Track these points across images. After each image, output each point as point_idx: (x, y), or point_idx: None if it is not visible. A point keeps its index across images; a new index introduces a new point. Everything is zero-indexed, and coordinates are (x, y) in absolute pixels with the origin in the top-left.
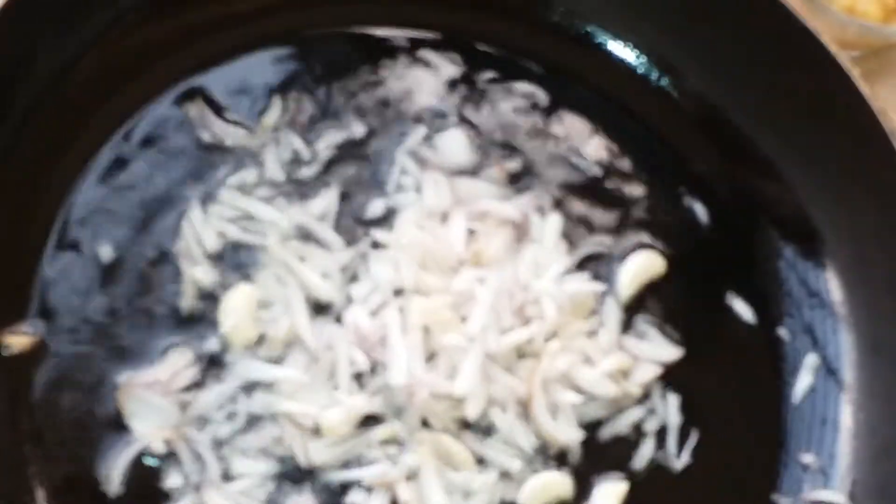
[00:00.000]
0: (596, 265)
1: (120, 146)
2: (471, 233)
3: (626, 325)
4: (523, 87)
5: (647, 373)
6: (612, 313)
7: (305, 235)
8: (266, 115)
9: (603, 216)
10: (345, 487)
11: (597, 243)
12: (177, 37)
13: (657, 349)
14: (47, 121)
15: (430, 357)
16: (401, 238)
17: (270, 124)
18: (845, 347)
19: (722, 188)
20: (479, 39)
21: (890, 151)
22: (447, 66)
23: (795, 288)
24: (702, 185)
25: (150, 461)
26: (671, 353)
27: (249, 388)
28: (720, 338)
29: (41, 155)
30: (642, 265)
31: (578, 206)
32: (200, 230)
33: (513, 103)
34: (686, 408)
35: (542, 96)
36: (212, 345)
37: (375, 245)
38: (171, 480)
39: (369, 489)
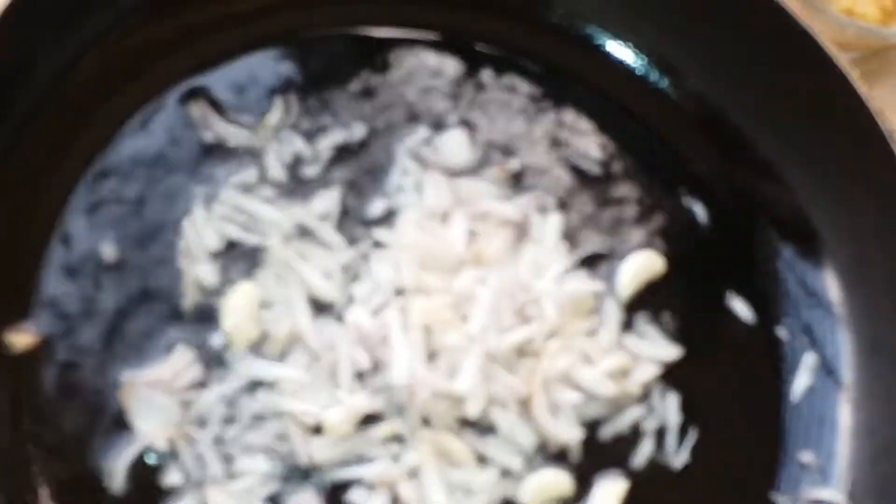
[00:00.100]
0: (596, 265)
1: (122, 146)
2: (471, 233)
3: (626, 325)
4: (523, 87)
5: (647, 372)
6: (612, 313)
7: (307, 235)
8: (268, 115)
9: (603, 216)
10: (346, 485)
11: (597, 243)
12: (178, 37)
13: (657, 348)
14: (49, 121)
15: (431, 356)
16: (402, 238)
17: (272, 124)
18: (844, 347)
19: (721, 188)
20: (479, 40)
21: (888, 152)
22: (448, 67)
23: (794, 288)
24: (701, 185)
25: (152, 459)
26: (671, 352)
27: (251, 386)
28: (719, 337)
29: (43, 154)
30: (642, 265)
31: (578, 206)
32: (202, 230)
33: (513, 103)
34: (685, 407)
35: (541, 96)
36: (214, 344)
37: (376, 245)
38: (174, 479)
39: (371, 487)
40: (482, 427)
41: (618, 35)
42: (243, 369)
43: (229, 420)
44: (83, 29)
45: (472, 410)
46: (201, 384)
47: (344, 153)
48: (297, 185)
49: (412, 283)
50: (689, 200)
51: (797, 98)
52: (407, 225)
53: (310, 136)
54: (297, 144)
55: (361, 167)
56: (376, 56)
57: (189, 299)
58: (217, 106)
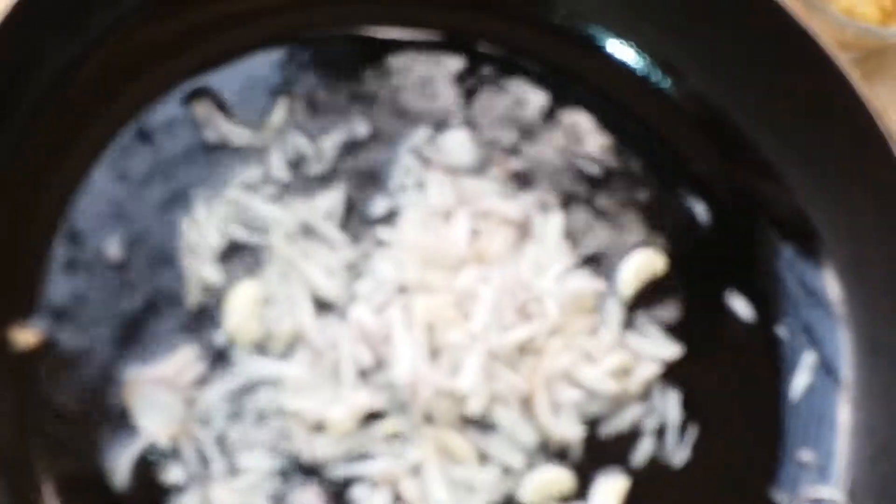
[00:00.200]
0: (597, 264)
1: (125, 145)
2: (474, 232)
3: (627, 323)
4: (525, 86)
5: (648, 370)
6: (614, 311)
7: (310, 233)
8: (271, 114)
9: (604, 215)
10: (349, 482)
11: (598, 242)
12: (181, 37)
13: (657, 347)
14: (53, 119)
15: (434, 354)
16: (404, 236)
17: (276, 124)
18: (844, 346)
19: (722, 188)
20: (480, 39)
21: (888, 152)
22: (450, 66)
23: (794, 287)
24: (702, 184)
25: (156, 457)
26: (671, 350)
27: (254, 384)
28: (719, 336)
29: (47, 153)
30: (643, 264)
31: (580, 206)
32: (206, 228)
33: (514, 103)
34: (686, 405)
35: (543, 96)
36: (217, 342)
37: (379, 243)
38: (177, 476)
39: (373, 484)
40: (484, 425)
41: (619, 35)
42: (246, 367)
43: (232, 418)
44: (86, 29)
45: (474, 408)
46: (205, 382)
47: (347, 152)
48: (300, 184)
49: (415, 281)
50: (690, 200)
51: (797, 98)
52: (409, 223)
53: (313, 135)
54: (301, 143)
55: (365, 166)
56: (379, 56)
57: (192, 297)
58: (221, 105)
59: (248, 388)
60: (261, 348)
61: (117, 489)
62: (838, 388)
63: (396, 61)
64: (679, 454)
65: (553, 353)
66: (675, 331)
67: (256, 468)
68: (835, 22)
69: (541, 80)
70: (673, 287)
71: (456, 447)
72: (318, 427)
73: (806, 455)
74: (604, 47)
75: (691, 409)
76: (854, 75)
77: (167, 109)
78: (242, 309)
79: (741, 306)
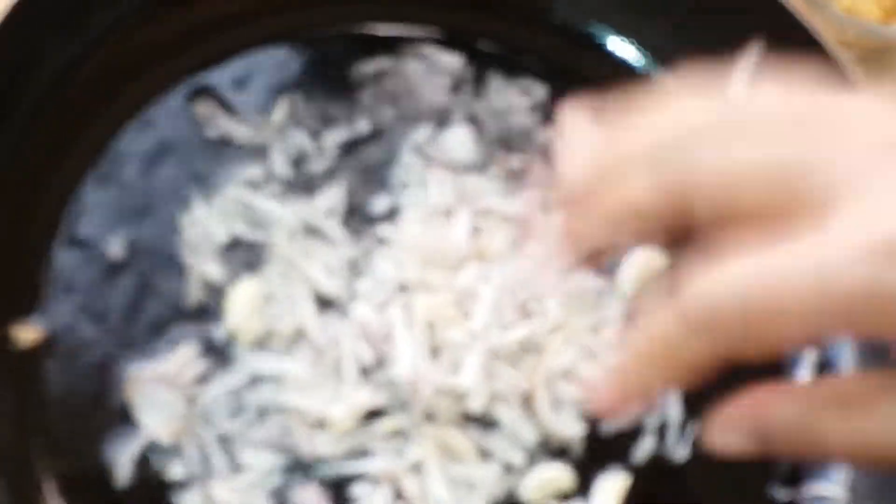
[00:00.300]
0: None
1: (127, 143)
2: (475, 230)
3: (629, 321)
4: (526, 84)
5: None
6: (615, 309)
7: (311, 231)
8: (273, 112)
9: None
10: (350, 480)
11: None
12: (182, 36)
13: None
14: (54, 119)
15: (435, 352)
16: (405, 235)
17: (277, 122)
18: (845, 344)
19: None
20: (481, 37)
21: None
22: (450, 64)
23: None
24: None
25: (157, 455)
26: None
27: (256, 381)
28: None
29: (48, 152)
30: (645, 261)
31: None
32: (207, 226)
33: (516, 101)
34: (687, 402)
35: (544, 94)
36: (218, 339)
37: (380, 241)
38: (179, 473)
39: (374, 481)
40: (485, 422)
41: (620, 33)
42: (248, 364)
43: (234, 415)
44: (87, 29)
45: (475, 406)
46: (206, 379)
47: (349, 149)
48: (302, 182)
49: (415, 279)
50: None
51: None
52: (410, 222)
53: (315, 132)
54: (303, 141)
55: (366, 163)
56: (380, 53)
57: (194, 295)
58: (222, 103)
59: (249, 386)
60: (262, 346)
61: (118, 487)
62: None
63: (397, 59)
64: (680, 452)
65: (554, 351)
66: None
67: (257, 466)
68: (836, 21)
69: (541, 77)
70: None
71: (457, 445)
72: (319, 424)
73: None
74: (604, 45)
75: (692, 407)
76: (856, 75)
77: (168, 108)
78: (244, 306)
79: None
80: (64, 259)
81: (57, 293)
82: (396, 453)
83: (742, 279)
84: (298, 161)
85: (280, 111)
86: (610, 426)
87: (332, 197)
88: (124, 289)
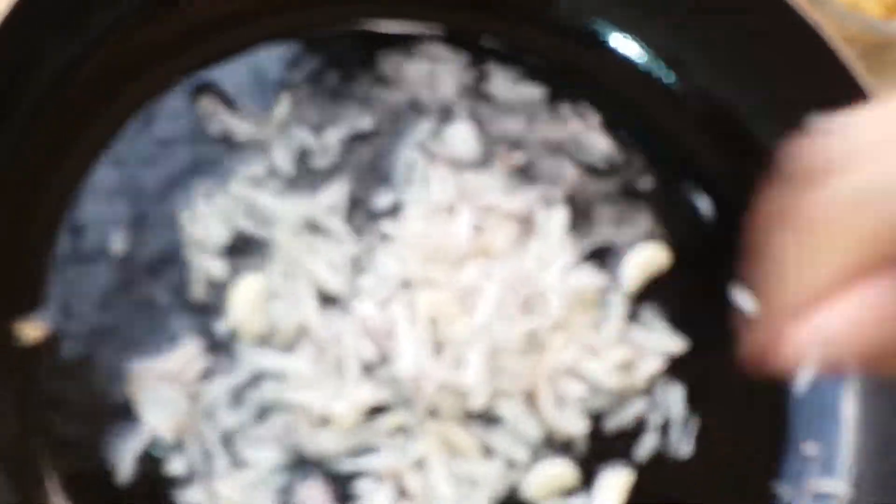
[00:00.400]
0: (601, 258)
1: (130, 141)
2: (477, 227)
3: (632, 318)
4: (528, 81)
5: (652, 364)
6: (618, 306)
7: (314, 227)
8: (275, 109)
9: (608, 210)
10: (353, 477)
11: (602, 237)
12: (184, 34)
13: (662, 341)
14: (55, 118)
15: (438, 349)
16: (407, 231)
17: (279, 118)
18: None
19: (726, 183)
20: (483, 34)
21: None
22: (453, 61)
23: None
24: (706, 179)
25: (160, 451)
26: (675, 345)
27: (258, 378)
28: (724, 330)
29: (50, 150)
30: (647, 258)
31: (584, 201)
32: (210, 222)
33: (518, 98)
34: (690, 399)
35: (547, 91)
36: (221, 336)
37: (383, 238)
38: (182, 470)
39: (377, 478)
40: (488, 419)
41: (622, 30)
42: (250, 361)
43: (237, 412)
44: (88, 28)
45: (478, 402)
46: (209, 376)
47: (351, 146)
48: (305, 178)
49: (418, 276)
50: (694, 195)
51: (802, 92)
52: (413, 218)
53: (317, 129)
54: (305, 138)
55: (369, 160)
56: (382, 51)
57: (196, 291)
58: (225, 100)
59: (252, 383)
60: (264, 343)
61: (121, 484)
62: (843, 381)
63: (399, 56)
64: (683, 448)
65: (557, 347)
66: (679, 325)
67: (260, 462)
68: (838, 16)
69: (544, 75)
70: (677, 281)
71: (460, 441)
72: (323, 421)
73: (811, 448)
74: (607, 42)
75: (695, 403)
76: (859, 70)
77: (171, 105)
78: (246, 303)
79: (746, 301)
80: (66, 257)
81: (59, 291)
82: (399, 450)
83: None
84: (301, 158)
85: (282, 108)
86: (613, 423)
87: (335, 193)
88: (127, 286)
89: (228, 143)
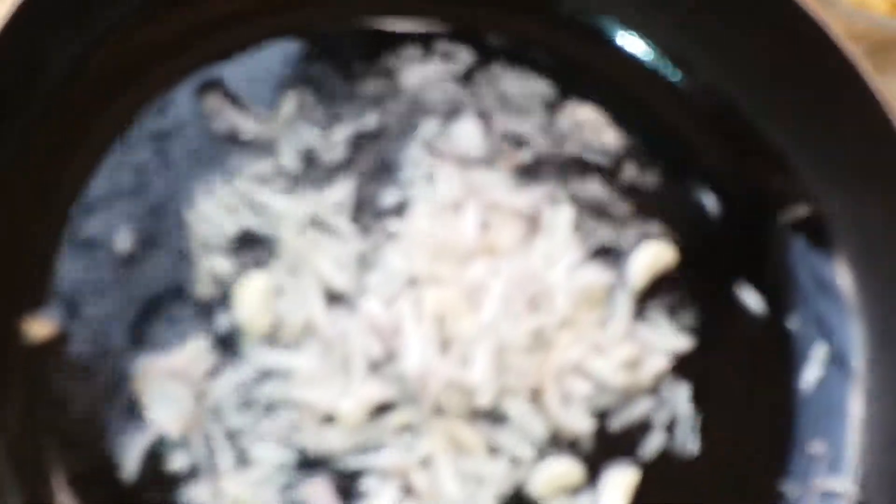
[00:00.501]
0: (607, 256)
1: (135, 139)
2: (483, 224)
3: (637, 316)
4: (535, 78)
5: (658, 362)
6: (624, 303)
7: (320, 225)
8: (281, 106)
9: (614, 208)
10: (359, 474)
11: (608, 234)
12: (190, 32)
13: (668, 339)
14: (62, 116)
15: (444, 346)
16: (413, 229)
17: (285, 116)
18: (855, 338)
19: (732, 180)
20: (489, 31)
21: None
22: (459, 58)
23: (805, 279)
24: (712, 177)
25: (166, 449)
26: (681, 343)
27: (264, 376)
28: (730, 328)
29: (57, 149)
30: (653, 256)
31: (590, 198)
32: (216, 220)
33: (524, 95)
34: (696, 397)
35: (553, 88)
36: (227, 333)
37: (389, 235)
38: (187, 467)
39: (383, 476)
40: (494, 417)
41: (628, 27)
42: (256, 359)
43: (242, 409)
44: (93, 27)
45: (484, 400)
46: (215, 373)
47: (357, 144)
48: (310, 176)
49: (424, 273)
50: (700, 192)
51: (809, 89)
52: (419, 216)
53: (324, 127)
54: (311, 135)
55: (375, 157)
56: (388, 48)
57: (203, 289)
58: (232, 97)
59: (258, 380)
60: (271, 340)
61: (127, 481)
62: (850, 379)
63: (405, 53)
64: (689, 447)
65: (563, 345)
66: (685, 323)
67: (266, 460)
68: (845, 14)
69: (550, 72)
70: (683, 279)
71: (466, 439)
72: (328, 419)
73: (817, 447)
74: (613, 39)
75: (701, 402)
76: (866, 67)
77: (177, 102)
78: (253, 300)
79: (752, 298)
80: (73, 255)
81: (66, 288)
82: (405, 448)
83: None
84: (307, 155)
85: (288, 105)
86: (619, 421)
87: (341, 191)
88: (134, 283)
89: (234, 141)
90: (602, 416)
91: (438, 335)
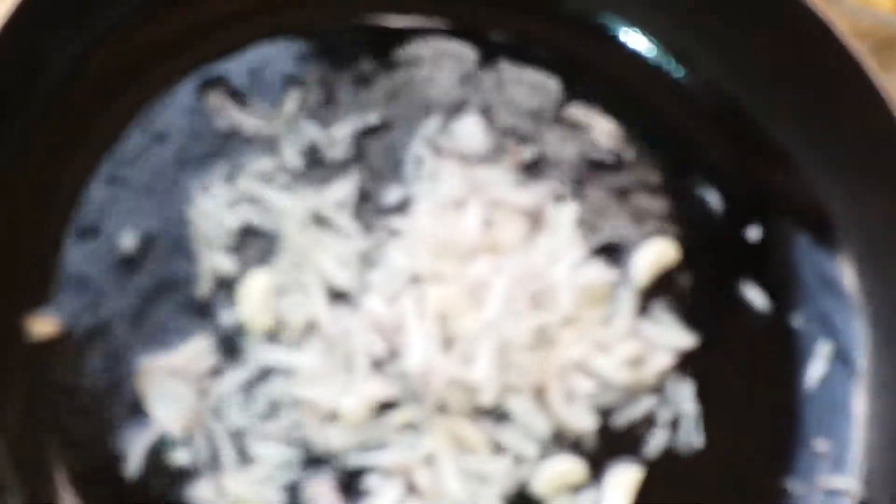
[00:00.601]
0: (610, 253)
1: (138, 136)
2: (486, 221)
3: (641, 313)
4: (537, 75)
5: (662, 360)
6: (627, 301)
7: (322, 222)
8: (283, 104)
9: (618, 205)
10: (362, 472)
11: (611, 232)
12: (191, 30)
13: (671, 337)
14: (63, 115)
15: (447, 344)
16: (416, 226)
17: (288, 113)
18: (860, 335)
19: (735, 177)
20: (492, 28)
21: None
22: (462, 55)
23: (809, 276)
24: (715, 174)
25: (168, 447)
26: (685, 340)
27: (267, 374)
28: (734, 326)
29: (58, 148)
30: (657, 253)
31: (593, 195)
32: (218, 217)
33: (527, 92)
34: (699, 395)
35: (556, 85)
36: (230, 331)
37: (392, 233)
38: (190, 466)
39: (386, 474)
40: (497, 415)
41: (632, 24)
42: (259, 357)
43: (245, 407)
44: (94, 26)
45: (487, 398)
46: (218, 371)
47: (360, 141)
48: (313, 173)
49: (427, 271)
50: (704, 189)
51: (812, 86)
52: (422, 213)
53: (326, 124)
54: (313, 133)
55: (377, 155)
56: (391, 44)
57: (205, 287)
58: (233, 95)
59: (261, 378)
60: (273, 338)
61: (130, 479)
62: (854, 377)
63: (408, 50)
64: (693, 444)
65: (566, 343)
66: (688, 321)
67: (269, 458)
68: (850, 11)
69: (553, 68)
70: (687, 276)
71: (469, 437)
72: (331, 417)
73: (821, 445)
74: (616, 36)
75: (705, 399)
76: (870, 64)
77: (179, 100)
78: (255, 298)
79: (756, 296)
80: (76, 252)
81: (69, 286)
82: (409, 446)
83: None
84: (309, 153)
85: (290, 103)
86: (622, 419)
87: (343, 188)
88: (136, 281)
89: (236, 138)
90: (605, 413)
91: (441, 333)
